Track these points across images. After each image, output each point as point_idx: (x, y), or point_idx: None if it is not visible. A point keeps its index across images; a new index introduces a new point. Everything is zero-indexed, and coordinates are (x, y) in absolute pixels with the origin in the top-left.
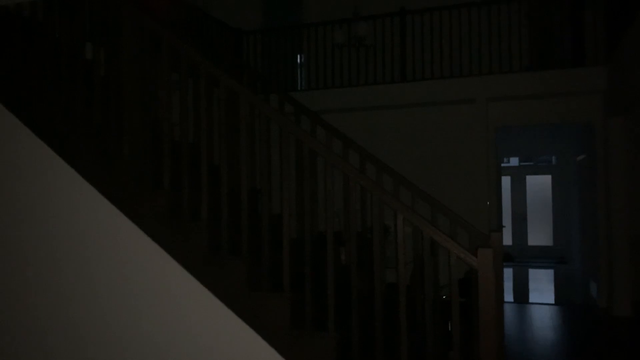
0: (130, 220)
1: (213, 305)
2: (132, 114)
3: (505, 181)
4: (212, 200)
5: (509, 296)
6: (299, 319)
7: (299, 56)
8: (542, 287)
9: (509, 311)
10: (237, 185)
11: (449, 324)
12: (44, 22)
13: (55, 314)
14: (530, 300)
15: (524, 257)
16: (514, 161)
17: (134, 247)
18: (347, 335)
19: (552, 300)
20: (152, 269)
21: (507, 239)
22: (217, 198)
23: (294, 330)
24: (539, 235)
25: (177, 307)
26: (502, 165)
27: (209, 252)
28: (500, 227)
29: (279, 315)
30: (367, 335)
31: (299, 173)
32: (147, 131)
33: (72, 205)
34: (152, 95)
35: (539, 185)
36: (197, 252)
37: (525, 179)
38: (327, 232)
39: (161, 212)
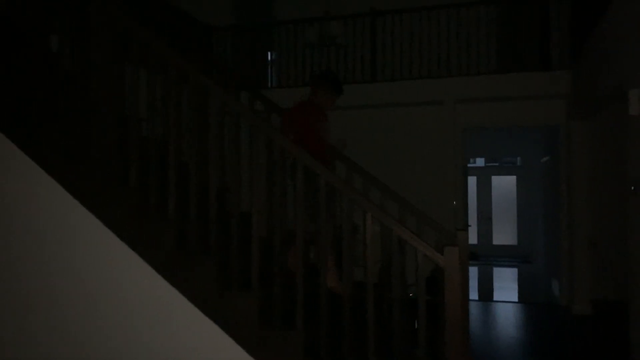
0: (95, 217)
1: (181, 304)
2: (99, 108)
3: (471, 181)
4: (181, 198)
5: (474, 294)
6: (267, 317)
7: (269, 54)
8: (506, 285)
9: (474, 309)
10: (207, 183)
11: (416, 322)
12: (2, 9)
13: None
14: (495, 299)
15: (489, 256)
16: (480, 162)
17: (100, 245)
18: (315, 333)
19: (515, 298)
20: (118, 268)
21: (473, 238)
22: (186, 196)
23: (262, 329)
24: (504, 234)
25: (144, 306)
26: (469, 165)
27: (176, 250)
28: (466, 226)
29: (247, 314)
30: (335, 332)
31: (269, 171)
32: (114, 127)
33: (33, 200)
34: (120, 90)
35: (504, 185)
36: (164, 250)
37: (490, 179)
38: (297, 230)
39: (128, 210)
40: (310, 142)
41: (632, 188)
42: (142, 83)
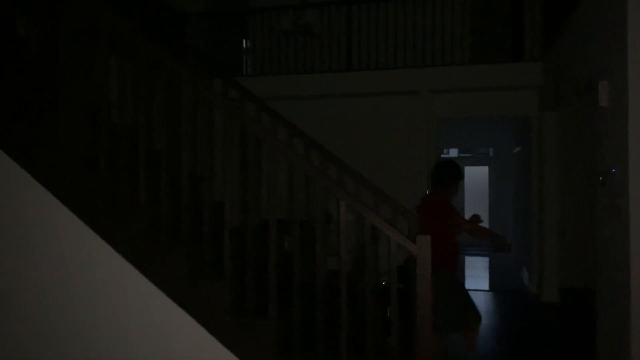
0: (63, 205)
1: (152, 293)
2: (68, 94)
3: None
4: (153, 187)
5: None
6: (240, 306)
7: (244, 41)
8: (477, 274)
9: None
10: (179, 172)
11: (388, 310)
12: None
13: None
14: (466, 287)
15: (461, 245)
16: (453, 152)
17: (69, 234)
18: (289, 322)
19: (486, 286)
20: (87, 256)
21: None
22: (158, 184)
23: (235, 318)
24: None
25: (114, 295)
26: (442, 156)
27: (148, 239)
28: None
29: (219, 303)
30: (309, 321)
31: (243, 160)
32: (84, 113)
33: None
34: (90, 76)
35: (477, 176)
36: (135, 239)
37: (463, 169)
38: (270, 219)
39: (98, 198)
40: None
41: (600, 178)
42: (112, 69)
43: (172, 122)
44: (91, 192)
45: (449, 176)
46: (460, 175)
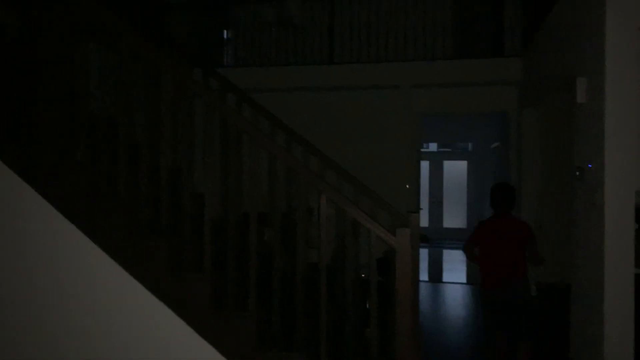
0: (41, 197)
1: (130, 286)
2: (47, 84)
3: (424, 166)
4: (133, 178)
5: (424, 275)
6: (220, 299)
7: (225, 32)
8: (455, 267)
9: (424, 290)
10: (158, 163)
11: (367, 302)
12: None
13: None
14: (444, 280)
15: (439, 239)
16: (433, 147)
17: (46, 226)
18: (269, 315)
19: (464, 279)
20: (66, 250)
21: (424, 221)
22: (138, 176)
23: (215, 311)
24: (454, 218)
25: (93, 287)
26: (422, 150)
27: (127, 231)
28: (417, 209)
29: (199, 296)
30: (289, 313)
31: (224, 152)
32: (62, 103)
33: None
34: (70, 65)
35: (456, 170)
36: (115, 231)
37: (442, 164)
38: (251, 212)
39: (77, 190)
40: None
41: (577, 174)
42: (93, 59)
43: (152, 112)
44: (69, 183)
45: (515, 199)
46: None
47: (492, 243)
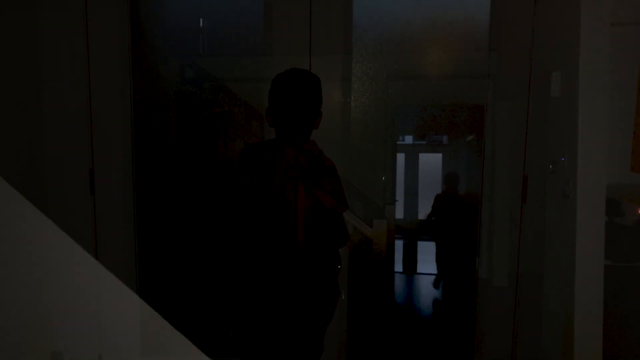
0: None
1: None
2: None
3: (400, 158)
4: None
5: (399, 266)
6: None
7: (201, 20)
8: (429, 258)
9: (398, 280)
10: None
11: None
12: None
13: None
14: (419, 271)
15: (414, 230)
16: (408, 139)
17: None
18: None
19: (436, 270)
20: None
21: (399, 213)
22: None
23: None
24: (429, 210)
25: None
26: (398, 142)
27: None
28: (393, 201)
29: None
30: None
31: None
32: None
33: None
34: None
35: (430, 163)
36: None
37: (418, 156)
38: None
39: None
40: None
41: (550, 167)
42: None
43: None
44: None
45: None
46: None
47: None
